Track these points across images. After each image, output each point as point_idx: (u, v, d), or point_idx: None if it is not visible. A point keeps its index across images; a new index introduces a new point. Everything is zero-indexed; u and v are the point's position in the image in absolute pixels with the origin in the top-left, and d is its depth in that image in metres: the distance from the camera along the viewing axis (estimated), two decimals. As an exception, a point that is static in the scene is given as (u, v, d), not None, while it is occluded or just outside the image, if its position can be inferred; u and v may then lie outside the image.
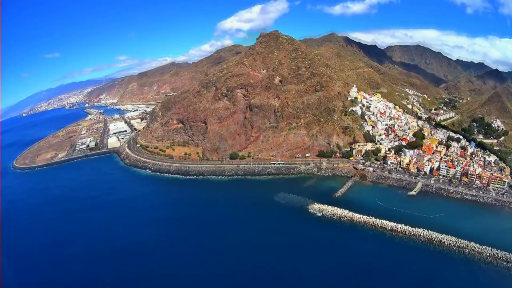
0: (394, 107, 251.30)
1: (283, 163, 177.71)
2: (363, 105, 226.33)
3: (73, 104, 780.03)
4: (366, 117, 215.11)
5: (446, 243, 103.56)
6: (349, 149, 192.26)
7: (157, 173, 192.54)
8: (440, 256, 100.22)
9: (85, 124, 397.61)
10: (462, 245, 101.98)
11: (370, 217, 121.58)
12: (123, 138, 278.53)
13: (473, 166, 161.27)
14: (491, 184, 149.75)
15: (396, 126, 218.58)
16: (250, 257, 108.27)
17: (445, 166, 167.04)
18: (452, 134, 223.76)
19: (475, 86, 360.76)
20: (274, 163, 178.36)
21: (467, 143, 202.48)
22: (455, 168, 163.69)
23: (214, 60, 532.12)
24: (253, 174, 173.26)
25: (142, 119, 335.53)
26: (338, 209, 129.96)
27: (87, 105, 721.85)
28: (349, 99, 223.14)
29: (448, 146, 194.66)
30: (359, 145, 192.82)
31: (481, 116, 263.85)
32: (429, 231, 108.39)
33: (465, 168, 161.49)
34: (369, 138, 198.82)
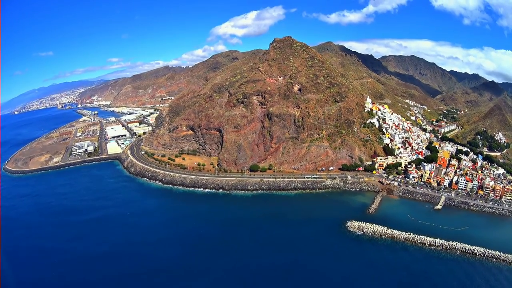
0: (405, 120, 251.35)
1: (313, 177, 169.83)
2: (379, 117, 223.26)
3: (65, 104, 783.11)
4: (383, 130, 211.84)
5: (477, 254, 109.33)
6: (371, 162, 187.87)
7: (170, 185, 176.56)
8: (478, 266, 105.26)
9: (79, 125, 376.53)
10: (489, 254, 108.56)
11: (409, 233, 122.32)
12: (123, 143, 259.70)
13: (487, 180, 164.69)
14: (503, 197, 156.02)
15: (410, 139, 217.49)
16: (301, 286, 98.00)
17: (464, 180, 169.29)
18: (460, 147, 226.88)
19: (471, 97, 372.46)
20: (306, 177, 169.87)
21: (475, 156, 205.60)
22: (472, 182, 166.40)
23: (211, 65, 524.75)
24: (278, 189, 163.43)
25: (140, 123, 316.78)
26: (378, 226, 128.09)
27: (79, 105, 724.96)
28: (365, 110, 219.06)
29: (459, 160, 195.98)
30: (380, 159, 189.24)
31: (484, 129, 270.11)
32: (462, 243, 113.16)
33: (480, 181, 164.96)
34: (388, 151, 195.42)
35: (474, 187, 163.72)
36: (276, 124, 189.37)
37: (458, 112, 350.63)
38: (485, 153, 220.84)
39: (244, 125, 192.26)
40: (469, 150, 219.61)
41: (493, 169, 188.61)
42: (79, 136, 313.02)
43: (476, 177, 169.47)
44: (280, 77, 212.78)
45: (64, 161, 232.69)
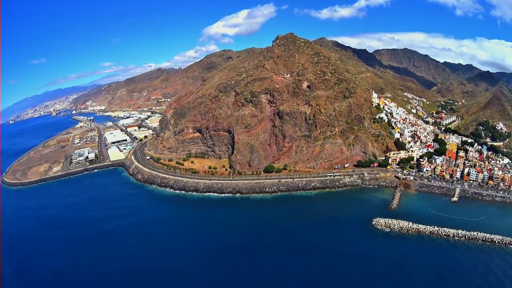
0: (409, 113, 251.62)
1: (335, 175, 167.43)
2: (386, 111, 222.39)
3: (59, 111, 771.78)
4: (392, 124, 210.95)
5: (496, 242, 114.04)
6: (384, 157, 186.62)
7: (182, 192, 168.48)
8: (499, 252, 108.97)
9: (76, 132, 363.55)
10: (507, 241, 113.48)
11: (433, 226, 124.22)
12: (125, 148, 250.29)
13: (495, 170, 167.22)
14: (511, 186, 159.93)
15: (418, 133, 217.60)
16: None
17: (475, 171, 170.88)
18: (464, 138, 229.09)
19: (467, 88, 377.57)
20: (328, 175, 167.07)
21: (480, 147, 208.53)
22: (482, 173, 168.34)
23: (205, 65, 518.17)
24: (297, 189, 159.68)
25: (139, 127, 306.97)
26: (403, 221, 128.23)
27: (74, 112, 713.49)
28: (373, 105, 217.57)
29: (466, 151, 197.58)
30: (394, 154, 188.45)
31: (485, 119, 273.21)
32: (481, 233, 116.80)
33: (490, 172, 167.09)
34: (400, 145, 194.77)
35: (485, 178, 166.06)
36: (288, 122, 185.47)
37: (456, 103, 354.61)
38: (488, 143, 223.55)
39: (255, 124, 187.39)
40: (473, 141, 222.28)
41: (498, 159, 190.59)
42: (78, 143, 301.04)
43: (484, 167, 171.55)
44: (287, 75, 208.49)
45: (64, 170, 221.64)
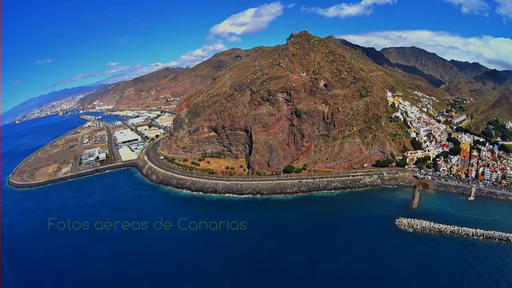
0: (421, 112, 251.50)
1: (357, 175, 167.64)
2: (401, 110, 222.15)
3: (66, 111, 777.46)
4: (408, 123, 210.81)
5: (511, 240, 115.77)
6: (401, 157, 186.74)
7: (200, 193, 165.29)
8: None
9: (84, 132, 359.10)
10: None
11: (454, 226, 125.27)
12: (136, 148, 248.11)
13: (507, 169, 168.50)
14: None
15: (432, 132, 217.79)
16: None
17: (489, 171, 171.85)
18: (476, 137, 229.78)
19: (475, 86, 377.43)
20: (350, 175, 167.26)
21: (491, 146, 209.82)
22: (496, 172, 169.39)
23: (214, 64, 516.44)
24: (318, 190, 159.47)
25: (149, 126, 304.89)
26: (425, 221, 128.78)
27: (81, 111, 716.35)
28: (389, 104, 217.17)
29: (479, 150, 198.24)
30: (411, 153, 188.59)
31: (495, 118, 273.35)
32: (498, 232, 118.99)
33: (502, 171, 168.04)
34: (416, 145, 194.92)
35: (498, 177, 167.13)
36: (306, 121, 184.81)
37: (465, 102, 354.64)
38: (499, 142, 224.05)
39: (273, 124, 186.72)
40: (485, 140, 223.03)
41: (510, 158, 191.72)
42: (87, 142, 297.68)
43: (497, 167, 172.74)
44: (303, 73, 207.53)
45: (74, 171, 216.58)
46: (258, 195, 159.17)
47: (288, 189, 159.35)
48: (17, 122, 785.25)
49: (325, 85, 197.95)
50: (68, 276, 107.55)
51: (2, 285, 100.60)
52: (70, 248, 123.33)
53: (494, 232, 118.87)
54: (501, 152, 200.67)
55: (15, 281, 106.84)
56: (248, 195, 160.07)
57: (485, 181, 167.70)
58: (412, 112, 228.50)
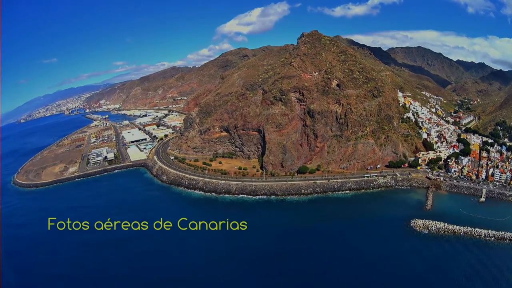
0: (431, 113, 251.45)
1: (372, 176, 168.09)
2: (412, 111, 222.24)
3: (72, 110, 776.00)
4: (419, 124, 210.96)
5: None
6: (413, 158, 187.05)
7: (213, 194, 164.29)
8: None
9: (91, 131, 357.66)
10: None
11: (467, 227, 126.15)
12: (145, 148, 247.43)
13: None
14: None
15: (443, 133, 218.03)
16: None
17: (498, 172, 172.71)
18: (485, 139, 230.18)
19: (481, 87, 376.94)
20: (365, 176, 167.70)
21: (499, 147, 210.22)
22: (505, 173, 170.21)
23: (221, 63, 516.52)
24: (333, 190, 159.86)
25: (158, 126, 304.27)
26: (439, 222, 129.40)
27: (87, 110, 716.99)
28: (400, 104, 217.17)
29: (488, 151, 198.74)
30: (423, 154, 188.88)
31: (503, 119, 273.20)
32: (508, 232, 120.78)
33: (511, 172, 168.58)
34: (428, 146, 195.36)
35: (508, 178, 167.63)
36: (319, 122, 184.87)
37: (472, 102, 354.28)
38: (507, 143, 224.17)
39: (286, 124, 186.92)
40: (493, 142, 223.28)
41: None
42: (94, 142, 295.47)
43: (506, 168, 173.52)
44: (315, 73, 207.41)
45: (82, 170, 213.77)
46: (272, 196, 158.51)
47: (302, 190, 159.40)
48: (22, 121, 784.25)
49: (337, 85, 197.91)
50: (75, 279, 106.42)
51: (2, 285, 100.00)
52: (78, 250, 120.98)
53: (505, 233, 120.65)
54: (509, 153, 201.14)
55: (15, 282, 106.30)
56: (262, 196, 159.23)
57: (495, 182, 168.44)
58: (423, 113, 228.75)
